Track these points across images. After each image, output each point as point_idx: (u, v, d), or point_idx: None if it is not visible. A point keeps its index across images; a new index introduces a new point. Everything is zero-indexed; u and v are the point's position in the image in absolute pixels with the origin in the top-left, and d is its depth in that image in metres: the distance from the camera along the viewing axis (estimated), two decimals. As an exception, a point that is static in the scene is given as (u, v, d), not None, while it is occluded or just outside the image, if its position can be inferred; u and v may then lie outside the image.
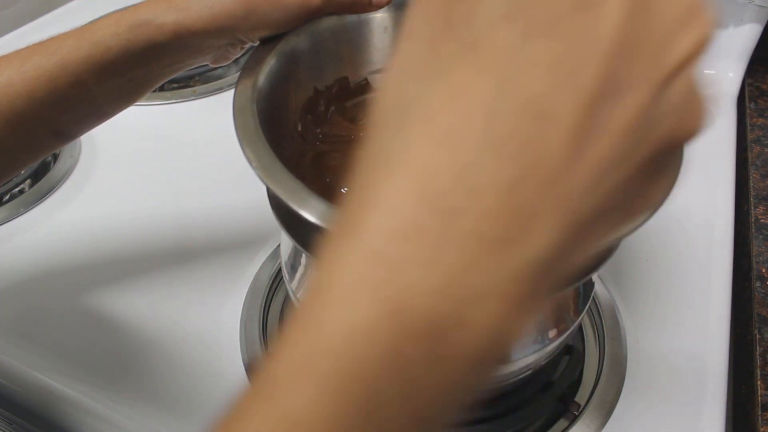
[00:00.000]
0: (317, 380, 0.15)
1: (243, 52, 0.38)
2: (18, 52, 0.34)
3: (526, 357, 0.36)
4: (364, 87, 0.44)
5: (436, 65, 0.16)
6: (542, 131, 0.14)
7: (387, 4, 0.38)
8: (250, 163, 0.30)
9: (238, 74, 0.35)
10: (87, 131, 0.38)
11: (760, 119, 0.66)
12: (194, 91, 0.69)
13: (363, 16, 0.41)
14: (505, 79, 0.15)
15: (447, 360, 0.15)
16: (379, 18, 0.42)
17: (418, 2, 0.17)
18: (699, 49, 0.17)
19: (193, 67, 0.37)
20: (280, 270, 0.50)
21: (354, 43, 0.42)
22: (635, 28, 0.15)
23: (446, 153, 0.15)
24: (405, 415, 0.15)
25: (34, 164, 0.59)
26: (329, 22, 0.39)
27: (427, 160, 0.15)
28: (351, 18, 0.41)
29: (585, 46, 0.15)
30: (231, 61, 0.39)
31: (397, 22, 0.43)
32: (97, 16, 0.46)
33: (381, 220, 0.15)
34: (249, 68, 0.35)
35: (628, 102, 0.15)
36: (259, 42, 0.37)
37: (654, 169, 0.17)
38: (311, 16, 0.36)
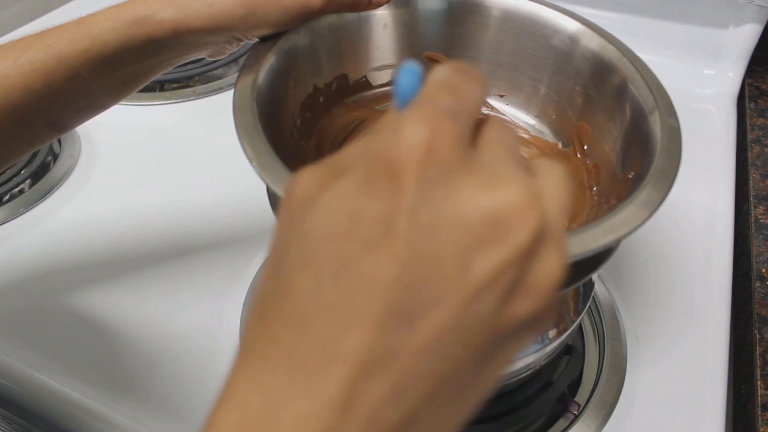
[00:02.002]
0: None
1: (240, 47, 0.38)
2: (14, 44, 0.34)
3: (526, 357, 0.36)
4: (363, 84, 0.44)
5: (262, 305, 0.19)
6: (334, 371, 0.16)
7: (387, 2, 0.38)
8: (250, 162, 0.30)
9: (238, 74, 0.35)
10: (83, 122, 0.38)
11: (760, 119, 0.66)
12: (194, 91, 0.69)
13: (362, 14, 0.41)
14: (296, 328, 0.17)
15: None
16: (379, 16, 0.42)
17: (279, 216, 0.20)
18: (508, 261, 0.17)
19: (190, 60, 0.37)
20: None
21: (353, 40, 0.42)
22: (422, 257, 0.17)
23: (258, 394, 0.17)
24: None
25: (28, 156, 0.59)
26: (329, 19, 0.39)
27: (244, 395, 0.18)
28: (350, 16, 0.41)
29: (369, 284, 0.17)
30: (227, 55, 0.39)
31: (397, 20, 0.43)
32: (97, 16, 0.45)
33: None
34: (249, 66, 0.35)
35: (431, 321, 0.17)
36: (257, 39, 0.37)
37: (506, 342, 0.18)
38: (312, 17, 0.36)
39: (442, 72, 0.20)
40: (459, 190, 0.17)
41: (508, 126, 0.20)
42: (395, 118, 0.18)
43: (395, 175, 0.17)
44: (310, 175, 0.19)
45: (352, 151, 0.19)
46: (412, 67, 0.20)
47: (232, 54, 0.71)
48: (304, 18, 0.36)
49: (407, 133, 0.17)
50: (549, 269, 0.18)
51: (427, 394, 0.17)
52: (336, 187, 0.18)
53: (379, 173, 0.17)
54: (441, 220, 0.17)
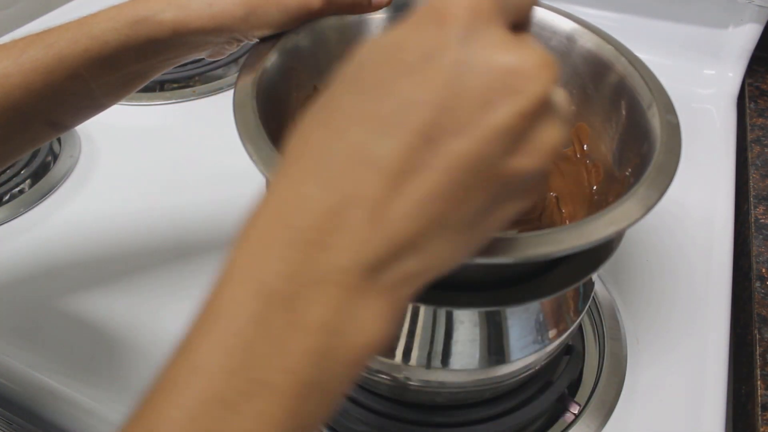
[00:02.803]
0: None
1: (240, 47, 0.38)
2: (15, 43, 0.34)
3: (526, 357, 0.36)
4: None
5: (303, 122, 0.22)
6: (363, 173, 0.19)
7: (387, 4, 0.38)
8: (251, 157, 0.30)
9: (238, 73, 0.35)
10: (83, 122, 0.38)
11: (760, 119, 0.66)
12: (194, 91, 0.69)
13: (363, 16, 0.41)
14: (335, 131, 0.20)
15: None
16: (379, 18, 0.42)
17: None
18: (521, 112, 0.19)
19: (190, 60, 0.37)
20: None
21: (354, 42, 0.42)
22: (456, 89, 0.19)
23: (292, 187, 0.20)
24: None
25: (28, 154, 0.59)
26: (329, 21, 0.39)
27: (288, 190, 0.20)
28: (350, 18, 0.41)
29: (407, 103, 0.19)
30: (226, 55, 0.39)
31: (396, 23, 0.43)
32: (97, 16, 0.45)
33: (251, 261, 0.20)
34: (249, 65, 0.35)
35: (453, 147, 0.19)
36: (258, 39, 0.37)
37: (506, 196, 0.21)
38: (311, 17, 0.36)
39: None
40: (494, 43, 0.19)
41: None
42: None
43: (443, 18, 0.19)
44: (373, 37, 0.21)
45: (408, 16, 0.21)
46: None
47: (232, 54, 0.71)
48: (304, 19, 0.36)
49: None
50: (550, 134, 0.20)
51: (440, 214, 0.19)
52: (392, 30, 0.20)
53: (429, 17, 0.20)
54: (475, 63, 0.19)
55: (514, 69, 0.19)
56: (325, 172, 0.19)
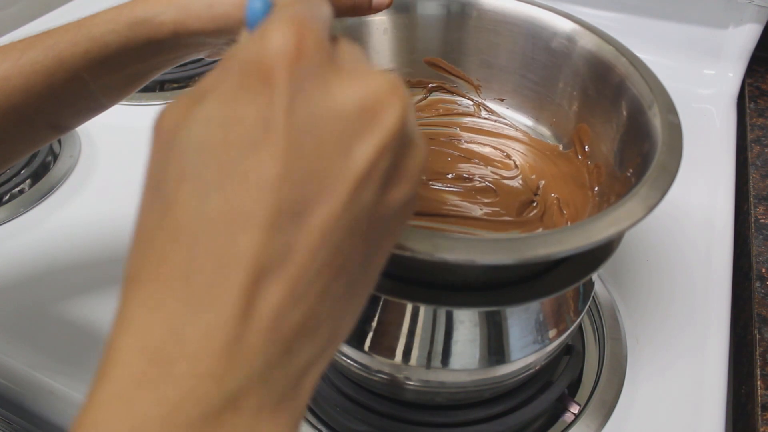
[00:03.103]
0: None
1: None
2: (14, 45, 0.34)
3: (526, 357, 0.36)
4: None
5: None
6: (225, 284, 0.16)
7: (387, 6, 0.38)
8: None
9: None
10: (84, 122, 0.38)
11: (760, 119, 0.66)
12: (194, 91, 0.69)
13: (362, 18, 0.41)
14: (190, 240, 0.17)
15: None
16: (378, 21, 0.42)
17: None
18: (385, 146, 0.18)
19: (189, 60, 0.37)
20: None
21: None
22: (305, 150, 0.17)
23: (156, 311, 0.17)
24: None
25: (28, 156, 0.59)
26: None
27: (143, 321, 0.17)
28: (351, 20, 0.41)
29: (256, 187, 0.16)
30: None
31: (396, 25, 0.43)
32: (97, 16, 0.45)
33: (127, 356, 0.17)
34: None
35: (319, 216, 0.17)
36: None
37: (384, 232, 0.19)
38: None
39: None
40: (330, 84, 0.18)
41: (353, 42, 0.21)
42: (256, 31, 0.18)
43: (267, 76, 0.17)
44: (174, 104, 0.18)
45: (213, 73, 0.19)
46: None
47: (232, 54, 0.69)
48: None
49: (274, 36, 0.17)
50: (414, 155, 0.19)
51: (323, 289, 0.18)
52: (206, 102, 0.17)
53: (251, 78, 0.17)
54: (317, 114, 0.17)
55: (360, 106, 0.18)
56: (186, 292, 0.17)
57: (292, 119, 0.17)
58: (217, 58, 0.39)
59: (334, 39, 0.20)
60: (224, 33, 0.34)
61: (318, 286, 0.17)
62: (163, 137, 0.18)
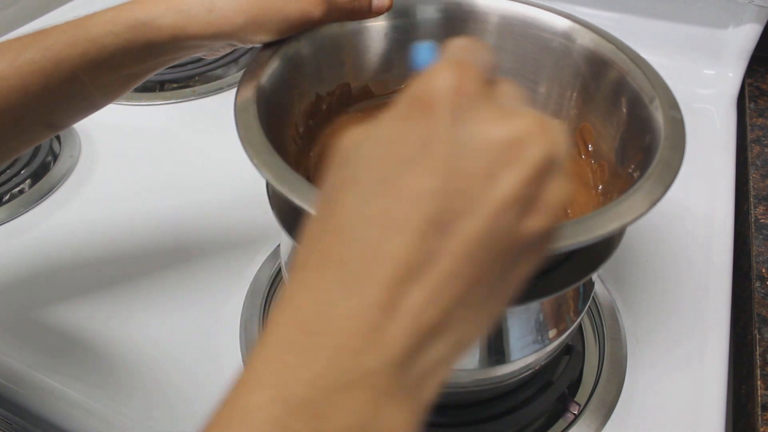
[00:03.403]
0: None
1: (240, 48, 0.38)
2: (10, 44, 0.34)
3: (526, 357, 0.36)
4: (366, 93, 0.44)
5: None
6: (378, 274, 0.19)
7: (387, 9, 0.38)
8: (251, 159, 0.30)
9: (238, 74, 0.35)
10: (79, 121, 0.38)
11: (760, 119, 0.66)
12: (194, 91, 0.69)
13: (363, 22, 0.41)
14: (345, 236, 0.20)
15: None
16: (379, 25, 0.42)
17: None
18: (527, 178, 0.19)
19: (186, 60, 0.38)
20: (279, 270, 0.50)
21: (355, 49, 0.42)
22: (458, 172, 0.19)
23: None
24: None
25: (28, 154, 0.60)
26: (330, 28, 0.39)
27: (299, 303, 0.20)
28: (351, 25, 0.41)
29: (413, 196, 0.19)
30: (221, 55, 0.39)
31: (397, 29, 0.43)
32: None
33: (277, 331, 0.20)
34: (251, 71, 0.35)
35: (465, 229, 0.19)
36: (257, 45, 0.37)
37: (520, 259, 0.21)
38: (312, 26, 0.36)
39: (455, 42, 0.23)
40: (485, 118, 0.20)
41: (516, 84, 0.23)
42: (424, 72, 0.21)
43: (430, 106, 0.19)
44: (355, 129, 0.21)
45: (390, 108, 0.21)
46: (427, 44, 0.23)
47: (232, 54, 0.71)
48: (305, 27, 0.36)
49: (438, 75, 0.20)
50: (557, 189, 0.20)
51: (459, 295, 0.19)
52: (378, 126, 0.21)
53: (416, 106, 0.20)
54: (471, 141, 0.19)
55: (509, 140, 0.19)
56: (341, 278, 0.19)
57: (448, 143, 0.19)
58: (214, 57, 0.39)
59: (494, 81, 0.22)
60: (222, 37, 0.34)
61: (455, 292, 0.19)
62: (341, 153, 0.21)
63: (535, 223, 0.20)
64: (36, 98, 0.34)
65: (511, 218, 0.19)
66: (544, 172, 0.20)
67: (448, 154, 0.19)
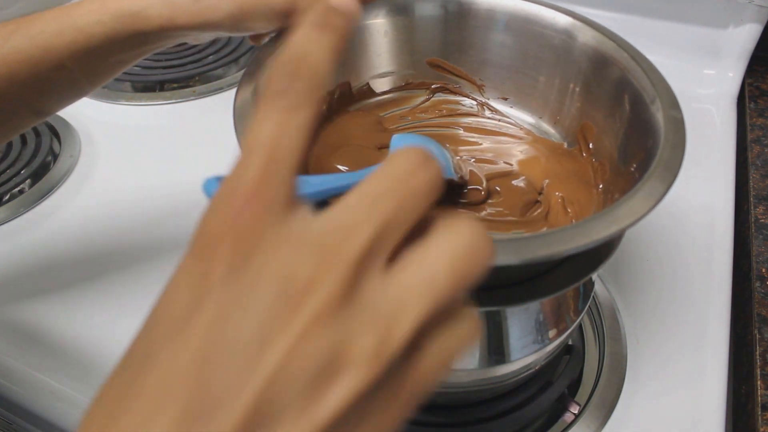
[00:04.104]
0: None
1: (236, 39, 0.38)
2: None
3: (526, 357, 0.36)
4: (366, 91, 0.44)
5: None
6: None
7: None
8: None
9: (238, 74, 0.35)
10: (65, 107, 0.38)
11: (760, 119, 0.66)
12: (194, 91, 0.69)
13: (362, 21, 0.41)
14: (116, 414, 0.15)
15: None
16: (378, 23, 0.42)
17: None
18: (310, 345, 0.15)
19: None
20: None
21: (354, 48, 0.42)
22: (217, 350, 0.15)
23: None
24: None
25: (28, 154, 0.59)
26: None
27: None
28: None
29: (167, 382, 0.15)
30: (208, 42, 0.39)
31: (397, 27, 0.43)
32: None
33: None
34: (251, 72, 0.35)
35: (218, 426, 0.15)
36: (244, 35, 0.37)
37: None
38: (299, 16, 0.36)
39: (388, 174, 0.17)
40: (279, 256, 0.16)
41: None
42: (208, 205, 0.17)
43: (206, 247, 0.17)
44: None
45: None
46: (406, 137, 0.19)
47: (232, 54, 0.71)
48: (292, 17, 0.36)
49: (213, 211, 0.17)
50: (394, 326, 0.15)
51: None
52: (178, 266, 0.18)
53: (192, 248, 0.17)
54: (247, 304, 0.15)
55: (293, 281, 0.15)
56: None
57: (215, 310, 0.16)
58: (199, 43, 0.39)
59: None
60: (210, 27, 0.34)
61: None
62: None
63: (343, 385, 0.15)
64: (23, 86, 0.34)
65: (292, 392, 0.15)
66: (345, 303, 0.15)
67: (208, 325, 0.15)
